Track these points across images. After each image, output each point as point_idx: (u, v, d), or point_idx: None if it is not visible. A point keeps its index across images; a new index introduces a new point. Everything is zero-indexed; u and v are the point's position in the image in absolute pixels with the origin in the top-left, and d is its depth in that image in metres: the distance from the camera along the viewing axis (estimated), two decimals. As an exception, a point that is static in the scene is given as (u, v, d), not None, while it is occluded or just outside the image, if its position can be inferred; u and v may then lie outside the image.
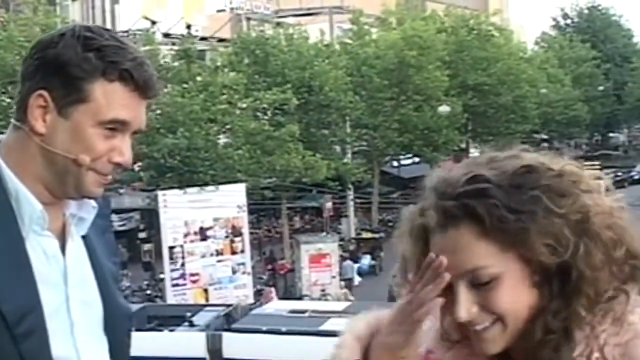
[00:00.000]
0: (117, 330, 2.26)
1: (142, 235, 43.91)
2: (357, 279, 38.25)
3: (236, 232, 32.77)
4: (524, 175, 1.66)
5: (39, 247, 2.11)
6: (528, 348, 1.67)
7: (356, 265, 39.47)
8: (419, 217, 1.74)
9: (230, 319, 22.29)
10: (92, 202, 2.21)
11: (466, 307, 1.64)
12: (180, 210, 31.71)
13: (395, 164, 55.18)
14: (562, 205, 1.63)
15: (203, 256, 32.14)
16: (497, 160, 1.72)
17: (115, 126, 2.09)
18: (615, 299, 1.66)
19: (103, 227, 2.33)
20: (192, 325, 21.97)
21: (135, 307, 25.00)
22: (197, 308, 24.60)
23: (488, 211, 1.62)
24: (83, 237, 2.24)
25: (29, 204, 2.08)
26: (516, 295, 1.64)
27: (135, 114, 2.12)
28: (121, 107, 2.08)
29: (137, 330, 21.58)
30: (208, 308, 24.41)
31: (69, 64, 2.06)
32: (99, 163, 2.09)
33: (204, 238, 32.22)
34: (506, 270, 1.63)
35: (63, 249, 2.17)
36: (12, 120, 2.14)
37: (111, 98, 2.07)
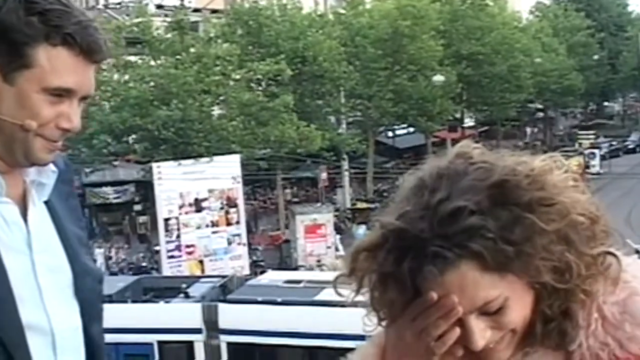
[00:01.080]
0: (87, 294, 2.24)
1: (137, 207, 43.90)
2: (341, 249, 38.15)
3: (231, 203, 32.82)
4: (502, 192, 1.60)
5: None
6: (534, 344, 1.67)
7: (338, 236, 39.24)
8: (394, 261, 1.63)
9: (226, 290, 22.34)
10: (52, 167, 2.18)
11: (481, 336, 1.61)
12: (174, 182, 31.74)
13: (389, 134, 55.15)
14: (551, 218, 1.59)
15: (198, 227, 32.21)
16: (459, 175, 1.63)
17: (61, 92, 2.05)
18: (609, 266, 1.67)
19: (66, 192, 2.31)
20: (187, 296, 22.02)
21: (130, 279, 25.08)
22: (193, 279, 24.65)
23: (485, 247, 1.56)
24: (46, 203, 2.21)
25: None
26: (522, 306, 1.63)
27: (81, 79, 2.06)
28: (66, 73, 2.04)
29: (133, 301, 21.70)
30: (203, 279, 24.46)
31: (12, 29, 2.00)
32: (46, 129, 2.05)
33: (199, 209, 32.28)
34: (511, 291, 1.60)
35: (25, 215, 2.14)
36: None
37: (55, 63, 2.02)
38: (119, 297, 20.67)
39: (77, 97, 2.08)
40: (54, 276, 2.16)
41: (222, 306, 20.82)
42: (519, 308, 1.62)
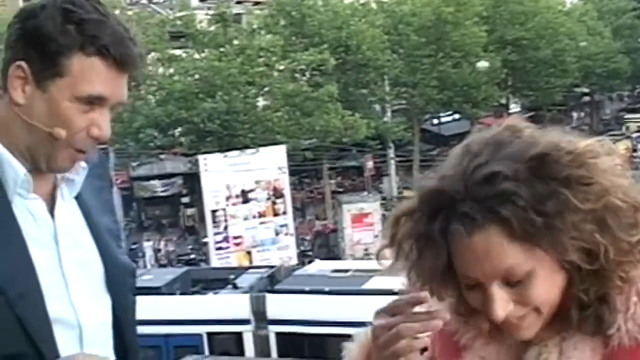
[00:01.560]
0: (119, 288, 2.27)
1: (184, 200, 44.16)
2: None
3: (278, 193, 32.88)
4: (541, 164, 1.60)
5: (26, 210, 2.12)
6: (570, 329, 1.67)
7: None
8: (427, 220, 1.66)
9: (274, 281, 22.41)
10: (82, 163, 2.21)
11: (503, 306, 1.62)
12: (221, 174, 31.86)
13: (435, 121, 54.92)
14: (587, 197, 1.59)
15: (245, 219, 32.30)
16: (503, 144, 1.65)
17: (93, 100, 2.07)
18: None
19: (99, 186, 2.34)
20: (235, 287, 22.11)
21: (179, 271, 25.24)
22: (241, 270, 24.75)
23: (515, 215, 1.57)
24: (77, 197, 2.24)
25: (12, 169, 2.09)
26: (550, 284, 1.63)
27: (113, 88, 2.09)
28: (98, 82, 2.06)
29: (182, 293, 21.83)
30: (251, 270, 24.54)
31: (48, 37, 2.03)
32: (78, 138, 2.08)
33: (246, 201, 32.37)
34: (538, 263, 1.60)
35: (53, 211, 2.18)
36: None
37: (88, 73, 2.05)
38: (168, 289, 20.83)
39: (108, 105, 2.10)
40: (82, 270, 2.19)
41: (270, 296, 20.88)
42: (545, 284, 1.62)
